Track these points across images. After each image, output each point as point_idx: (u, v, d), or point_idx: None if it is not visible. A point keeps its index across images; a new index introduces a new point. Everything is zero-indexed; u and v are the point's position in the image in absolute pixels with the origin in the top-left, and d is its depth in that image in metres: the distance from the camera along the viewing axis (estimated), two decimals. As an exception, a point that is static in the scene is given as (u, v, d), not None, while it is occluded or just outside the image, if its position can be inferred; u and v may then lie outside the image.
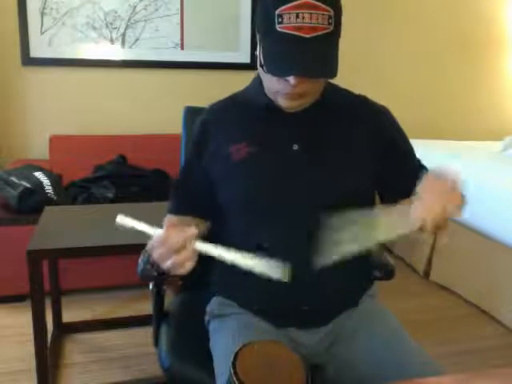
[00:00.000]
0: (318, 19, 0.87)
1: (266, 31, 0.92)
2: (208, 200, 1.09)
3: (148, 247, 0.87)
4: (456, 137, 3.47)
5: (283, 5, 0.88)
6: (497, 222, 2.27)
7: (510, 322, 2.24)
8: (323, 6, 0.88)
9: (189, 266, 0.84)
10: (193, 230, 0.84)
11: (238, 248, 1.07)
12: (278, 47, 0.91)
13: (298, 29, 0.88)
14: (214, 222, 1.12)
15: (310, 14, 0.87)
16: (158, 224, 1.11)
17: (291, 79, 0.90)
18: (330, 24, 0.89)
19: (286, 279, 0.81)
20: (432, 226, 0.83)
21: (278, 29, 0.89)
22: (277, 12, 0.89)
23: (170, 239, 0.83)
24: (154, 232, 0.86)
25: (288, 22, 0.88)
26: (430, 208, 0.83)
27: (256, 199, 1.04)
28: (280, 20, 0.89)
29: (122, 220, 0.87)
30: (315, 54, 0.89)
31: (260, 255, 0.85)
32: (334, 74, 0.93)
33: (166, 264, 0.84)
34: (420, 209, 0.84)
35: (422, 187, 0.86)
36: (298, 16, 0.87)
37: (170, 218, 1.11)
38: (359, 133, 1.06)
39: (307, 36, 0.88)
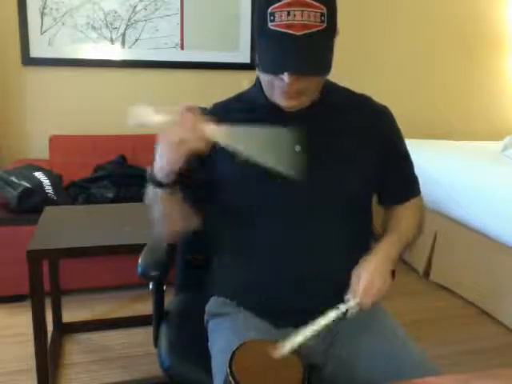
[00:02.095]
0: (309, 16, 0.88)
1: (260, 30, 0.93)
2: (204, 197, 1.09)
3: (156, 146, 0.88)
4: (456, 137, 3.47)
5: (275, 3, 0.88)
6: (497, 221, 2.27)
7: (510, 322, 2.24)
8: (315, 3, 0.88)
9: (196, 145, 0.85)
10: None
11: (239, 248, 1.07)
12: (270, 45, 0.91)
13: (289, 26, 0.88)
14: (214, 224, 1.12)
15: (302, 11, 0.87)
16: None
17: (285, 77, 0.90)
18: (322, 21, 0.89)
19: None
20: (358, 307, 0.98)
21: (270, 27, 0.90)
22: (269, 10, 0.89)
23: (184, 120, 0.85)
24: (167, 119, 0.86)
25: (279, 19, 0.88)
26: (362, 297, 0.97)
27: (255, 199, 1.04)
28: (272, 18, 0.89)
29: (137, 111, 0.86)
30: (306, 51, 0.89)
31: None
32: (326, 71, 0.93)
33: (174, 139, 0.85)
34: (355, 293, 0.98)
35: (364, 268, 1.00)
36: (289, 14, 0.88)
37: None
38: (360, 132, 1.06)
39: (298, 33, 0.88)
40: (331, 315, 0.95)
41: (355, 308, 0.97)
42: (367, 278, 0.97)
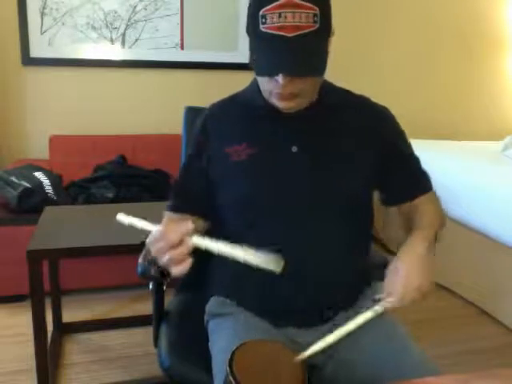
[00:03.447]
0: (301, 18, 0.88)
1: (253, 32, 0.93)
2: (207, 200, 1.09)
3: (147, 241, 0.87)
4: (456, 137, 3.47)
5: (266, 5, 0.88)
6: (497, 221, 2.27)
7: (510, 322, 2.24)
8: (307, 4, 0.88)
9: (186, 264, 0.83)
10: (189, 225, 0.84)
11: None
12: (262, 47, 0.91)
13: (281, 28, 0.88)
14: (213, 223, 1.12)
15: (293, 13, 0.87)
16: (158, 222, 1.11)
17: (279, 78, 0.90)
18: (315, 22, 0.89)
19: (279, 270, 0.81)
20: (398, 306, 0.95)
21: (262, 29, 0.90)
22: (260, 13, 0.89)
23: (167, 234, 0.83)
24: (153, 228, 0.87)
25: (271, 22, 0.89)
26: (401, 295, 0.93)
27: (256, 199, 1.04)
28: (264, 20, 0.89)
29: (122, 217, 0.87)
30: (299, 52, 0.89)
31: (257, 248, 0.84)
32: (320, 71, 0.93)
33: (163, 259, 0.84)
34: (393, 291, 0.94)
35: (399, 266, 0.95)
36: (280, 16, 0.88)
37: (168, 215, 1.11)
38: (358, 133, 1.06)
39: (289, 35, 0.88)
40: (366, 316, 0.91)
41: (390, 307, 0.93)
42: (405, 275, 0.93)
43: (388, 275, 0.95)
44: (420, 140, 3.12)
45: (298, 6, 0.87)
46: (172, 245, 0.82)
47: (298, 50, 0.89)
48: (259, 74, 0.95)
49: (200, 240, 0.84)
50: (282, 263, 0.80)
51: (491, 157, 2.78)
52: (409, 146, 1.14)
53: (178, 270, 0.84)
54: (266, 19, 0.89)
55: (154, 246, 0.85)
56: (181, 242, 0.83)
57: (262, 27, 0.90)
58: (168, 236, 0.83)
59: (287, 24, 0.88)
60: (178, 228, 0.84)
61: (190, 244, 0.83)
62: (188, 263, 0.84)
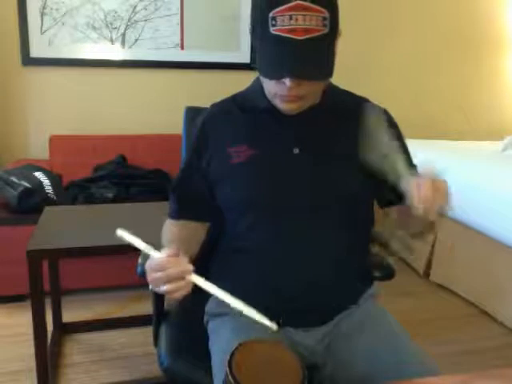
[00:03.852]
0: (311, 21, 0.87)
1: (261, 34, 0.92)
2: (207, 201, 1.09)
3: (145, 266, 0.89)
4: (456, 137, 3.47)
5: (276, 7, 0.88)
6: (497, 222, 2.27)
7: (511, 322, 2.24)
8: (317, 7, 0.87)
9: (181, 294, 0.86)
10: (190, 266, 0.86)
11: (238, 248, 1.07)
12: (272, 50, 0.91)
13: (291, 31, 0.88)
14: (214, 224, 1.12)
15: (304, 15, 0.87)
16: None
17: (287, 81, 0.90)
18: (324, 26, 0.89)
19: (273, 330, 0.82)
20: (432, 211, 0.82)
21: (272, 31, 0.89)
22: (270, 15, 0.89)
23: (167, 267, 0.85)
24: (152, 253, 0.88)
25: (281, 24, 0.88)
26: (426, 196, 0.82)
27: (257, 201, 1.04)
28: (274, 23, 0.89)
29: (123, 234, 0.88)
30: (309, 55, 0.89)
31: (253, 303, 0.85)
32: (328, 75, 0.93)
33: (159, 289, 0.86)
34: (417, 196, 0.83)
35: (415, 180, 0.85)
36: (291, 18, 0.87)
37: (169, 246, 1.11)
38: (360, 135, 1.06)
39: (300, 38, 0.88)
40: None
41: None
42: (429, 181, 0.83)
43: (412, 185, 0.85)
44: (420, 140, 3.13)
45: (308, 8, 0.87)
46: (171, 279, 0.85)
47: (307, 54, 0.89)
48: (267, 76, 0.94)
49: (199, 280, 0.86)
50: (275, 328, 0.81)
51: (491, 157, 2.78)
52: (406, 149, 1.14)
53: (174, 298, 0.87)
54: (276, 21, 0.88)
55: (151, 275, 0.87)
56: (179, 278, 0.85)
57: (272, 29, 0.89)
58: (168, 270, 0.85)
59: (298, 27, 0.87)
60: (179, 265, 0.85)
61: (189, 281, 0.86)
62: (184, 293, 0.86)
